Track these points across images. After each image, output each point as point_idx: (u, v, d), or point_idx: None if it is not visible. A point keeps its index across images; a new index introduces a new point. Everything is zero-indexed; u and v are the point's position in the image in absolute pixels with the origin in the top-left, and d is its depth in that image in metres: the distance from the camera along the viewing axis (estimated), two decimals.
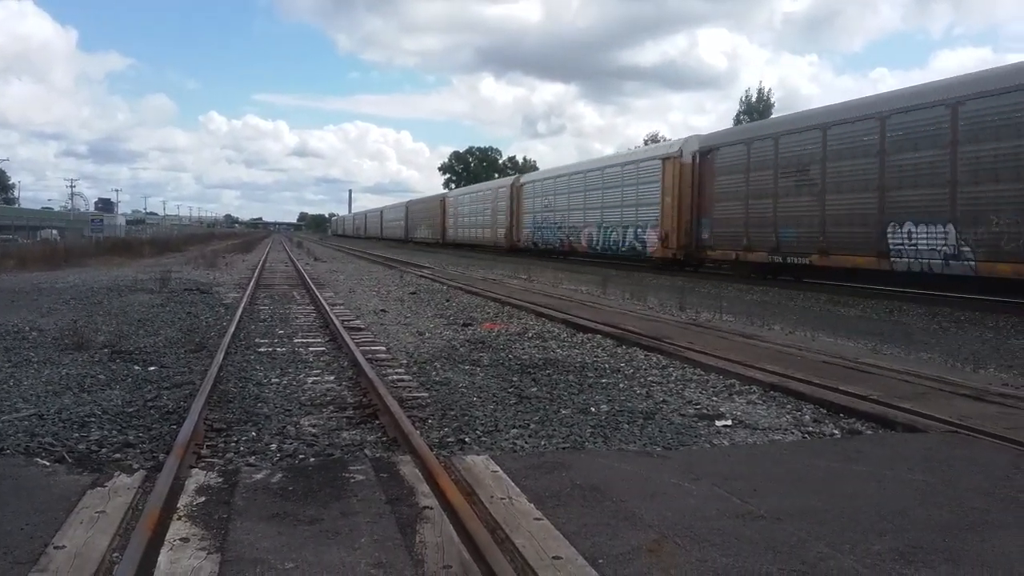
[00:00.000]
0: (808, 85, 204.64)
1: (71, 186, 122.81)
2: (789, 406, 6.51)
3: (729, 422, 5.99)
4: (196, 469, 4.58)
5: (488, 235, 48.10)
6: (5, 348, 8.95)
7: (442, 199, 63.47)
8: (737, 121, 61.11)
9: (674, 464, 4.72)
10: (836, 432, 5.78)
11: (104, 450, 5.08)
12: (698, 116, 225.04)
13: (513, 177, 51.95)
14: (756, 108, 63.50)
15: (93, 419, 5.79)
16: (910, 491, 4.21)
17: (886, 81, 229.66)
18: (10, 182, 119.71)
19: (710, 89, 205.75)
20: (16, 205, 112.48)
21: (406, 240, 73.63)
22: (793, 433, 5.74)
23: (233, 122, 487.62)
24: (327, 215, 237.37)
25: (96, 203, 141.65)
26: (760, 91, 66.11)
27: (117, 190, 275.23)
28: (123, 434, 5.45)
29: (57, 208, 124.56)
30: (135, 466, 4.68)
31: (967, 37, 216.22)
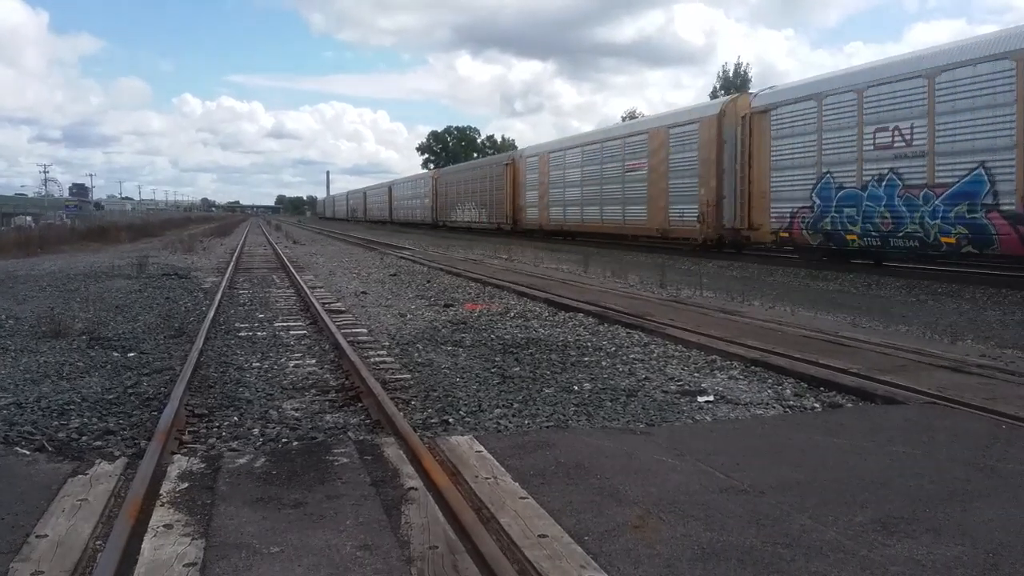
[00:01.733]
0: (785, 60, 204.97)
1: (44, 172, 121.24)
2: (770, 381, 6.55)
3: (711, 398, 6.03)
4: (178, 455, 4.55)
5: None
6: None
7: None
8: (713, 96, 61.13)
9: (657, 440, 4.74)
10: (817, 406, 5.82)
11: (84, 438, 5.03)
12: (676, 92, 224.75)
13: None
14: (733, 83, 63.50)
15: (73, 407, 5.74)
16: (891, 462, 4.25)
17: (861, 54, 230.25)
18: None
19: (687, 65, 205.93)
20: None
21: (437, 224, 54.36)
22: (775, 407, 5.78)
23: (208, 104, 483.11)
24: (304, 197, 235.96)
25: (70, 188, 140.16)
26: (737, 66, 66.12)
27: (91, 175, 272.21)
28: (103, 421, 5.41)
29: (31, 195, 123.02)
30: (116, 453, 4.64)
31: (940, 10, 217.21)
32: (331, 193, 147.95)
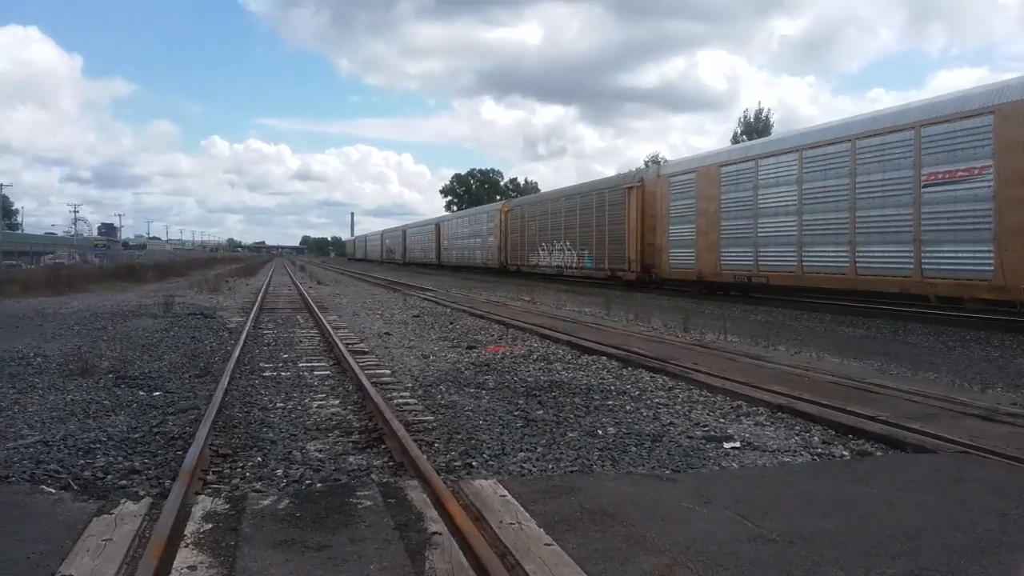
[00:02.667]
0: (807, 105, 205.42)
1: (74, 211, 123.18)
2: (798, 427, 6.47)
3: (737, 444, 5.96)
4: (202, 495, 4.55)
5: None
6: (10, 374, 8.94)
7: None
8: (735, 141, 61.30)
9: (683, 487, 4.69)
10: (846, 453, 5.74)
11: (110, 477, 5.05)
12: (698, 137, 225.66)
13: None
14: (755, 128, 63.75)
15: (98, 445, 5.77)
16: (922, 513, 4.17)
17: (882, 100, 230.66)
18: (13, 208, 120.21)
19: (710, 110, 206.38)
20: (20, 231, 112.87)
21: (506, 269, 44.35)
22: (802, 455, 5.70)
23: (236, 146, 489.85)
24: (329, 238, 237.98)
25: (99, 228, 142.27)
26: (759, 111, 66.41)
27: (120, 215, 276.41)
28: (129, 460, 5.43)
29: (60, 234, 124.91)
30: (141, 493, 4.65)
31: (963, 57, 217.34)
32: (358, 233, 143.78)
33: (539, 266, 37.75)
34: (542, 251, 37.66)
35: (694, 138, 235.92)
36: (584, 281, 33.75)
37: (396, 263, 79.33)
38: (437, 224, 64.00)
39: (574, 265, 33.79)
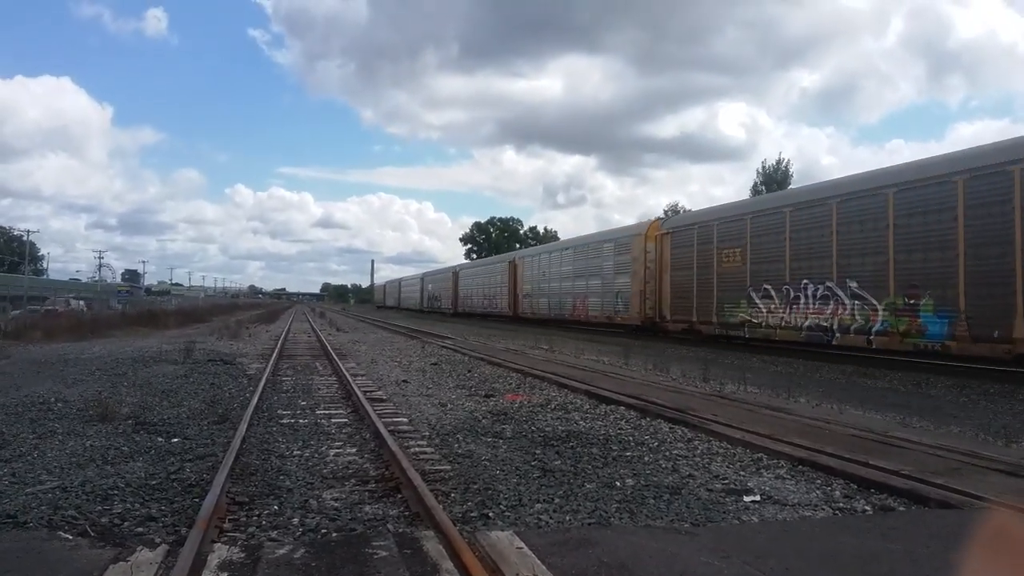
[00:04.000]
0: (826, 156, 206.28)
1: (99, 258, 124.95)
2: (819, 481, 6.38)
3: (758, 497, 5.88)
4: (218, 543, 4.54)
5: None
6: (31, 419, 9.01)
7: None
8: (755, 192, 61.44)
9: (703, 541, 4.63)
10: (868, 508, 5.65)
11: (127, 523, 5.05)
12: (717, 187, 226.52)
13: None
14: (774, 178, 63.90)
15: (116, 492, 5.78)
16: (947, 570, 4.09)
17: (902, 152, 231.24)
18: (39, 253, 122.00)
19: (729, 160, 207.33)
20: (45, 276, 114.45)
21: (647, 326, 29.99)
22: (824, 509, 5.62)
23: (259, 194, 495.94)
24: (349, 285, 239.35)
25: (123, 274, 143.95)
26: (779, 161, 66.59)
27: (144, 261, 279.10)
28: (146, 507, 5.43)
29: (84, 279, 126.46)
30: (157, 540, 4.65)
31: (983, 109, 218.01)
32: (380, 279, 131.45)
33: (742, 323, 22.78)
34: (751, 299, 22.66)
35: (713, 188, 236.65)
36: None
37: (444, 312, 65.44)
38: (511, 262, 47.43)
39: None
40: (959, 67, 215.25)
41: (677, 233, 26.37)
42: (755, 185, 65.32)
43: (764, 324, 21.02)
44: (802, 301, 19.55)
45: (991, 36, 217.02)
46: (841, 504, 5.74)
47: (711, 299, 23.66)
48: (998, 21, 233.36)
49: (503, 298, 48.45)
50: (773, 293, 20.72)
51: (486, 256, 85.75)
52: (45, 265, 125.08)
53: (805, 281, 19.48)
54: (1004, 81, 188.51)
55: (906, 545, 4.53)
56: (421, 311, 76.92)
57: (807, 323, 19.32)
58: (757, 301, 21.37)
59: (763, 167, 67.16)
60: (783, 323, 20.23)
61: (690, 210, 53.21)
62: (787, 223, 20.26)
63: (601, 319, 32.34)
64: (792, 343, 20.54)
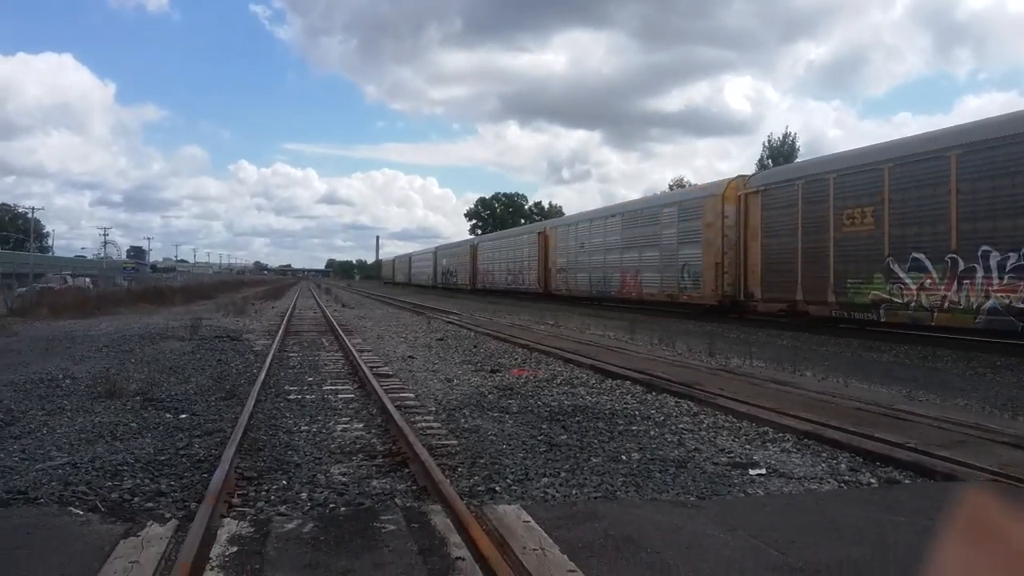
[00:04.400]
0: (833, 129, 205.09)
1: (104, 234, 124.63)
2: (824, 454, 6.40)
3: (763, 471, 5.90)
4: (228, 518, 4.58)
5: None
6: (39, 396, 9.06)
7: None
8: (761, 166, 61.10)
9: (708, 514, 4.65)
10: (873, 481, 5.67)
11: (137, 499, 5.09)
12: (723, 161, 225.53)
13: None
14: (781, 152, 63.57)
15: (126, 468, 5.82)
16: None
17: (910, 126, 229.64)
18: (44, 231, 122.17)
19: (735, 134, 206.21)
20: (50, 253, 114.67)
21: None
22: (829, 482, 5.63)
23: (263, 170, 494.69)
24: (354, 261, 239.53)
25: (128, 251, 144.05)
26: (785, 135, 66.21)
27: (149, 238, 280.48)
28: (155, 483, 5.47)
29: (90, 256, 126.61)
30: (167, 515, 4.68)
31: (991, 82, 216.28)
32: (398, 252, 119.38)
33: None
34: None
35: (719, 162, 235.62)
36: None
37: (460, 289, 60.66)
38: (543, 232, 43.21)
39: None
40: (967, 39, 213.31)
41: (771, 191, 21.46)
42: (761, 159, 65.07)
43: (913, 305, 16.41)
44: (979, 275, 14.86)
45: (999, 6, 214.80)
46: (846, 477, 5.76)
47: (825, 273, 18.96)
48: None
49: (531, 272, 43.57)
50: (929, 264, 16.03)
51: (492, 231, 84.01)
52: (50, 242, 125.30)
53: (986, 248, 14.70)
54: (1012, 53, 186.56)
55: (910, 517, 4.55)
56: (434, 287, 72.33)
57: (989, 304, 14.71)
58: (901, 275, 16.67)
59: (769, 141, 66.83)
60: (946, 304, 15.59)
61: (695, 183, 51.61)
62: (953, 171, 15.35)
63: (660, 297, 27.65)
64: (961, 330, 15.97)
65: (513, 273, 47.97)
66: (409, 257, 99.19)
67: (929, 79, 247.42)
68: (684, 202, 26.98)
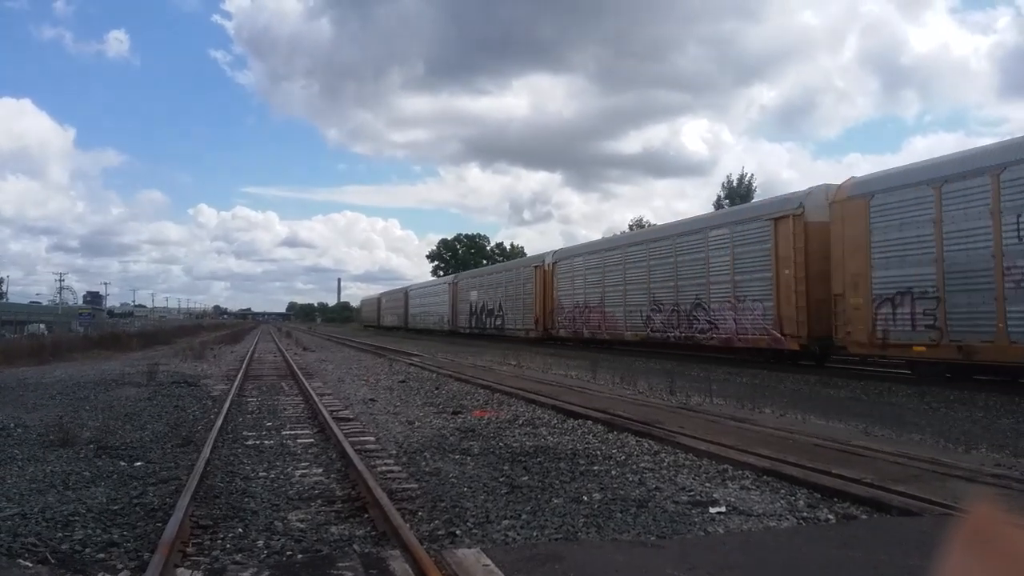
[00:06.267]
0: (787, 170, 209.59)
1: (60, 280, 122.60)
2: (783, 491, 6.45)
3: (723, 509, 5.93)
4: (181, 568, 4.49)
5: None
6: None
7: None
8: (718, 205, 62.00)
9: (669, 553, 4.66)
10: (831, 517, 5.72)
11: (88, 550, 4.97)
12: (681, 201, 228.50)
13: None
14: (738, 192, 64.61)
15: (77, 518, 5.69)
16: None
17: (860, 166, 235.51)
18: None
19: (692, 175, 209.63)
20: (4, 300, 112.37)
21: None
22: (788, 519, 5.68)
23: (223, 214, 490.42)
24: (315, 304, 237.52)
25: (84, 296, 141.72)
26: (742, 176, 67.35)
27: (106, 283, 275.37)
28: (107, 533, 5.35)
29: (45, 303, 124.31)
30: (119, 566, 4.58)
31: (937, 123, 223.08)
32: (392, 288, 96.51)
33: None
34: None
35: (677, 202, 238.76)
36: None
37: (490, 334, 43.10)
38: (539, 266, 36.45)
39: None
40: (913, 82, 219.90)
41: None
42: (719, 199, 65.98)
43: None
44: None
45: (943, 51, 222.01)
46: (805, 513, 5.81)
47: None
48: (950, 36, 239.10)
49: (523, 312, 36.71)
50: None
51: (453, 273, 79.29)
52: (4, 288, 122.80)
53: None
54: (957, 95, 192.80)
55: (867, 553, 4.60)
56: (454, 332, 50.91)
57: None
58: None
59: (728, 181, 67.89)
60: None
61: (654, 223, 47.64)
62: None
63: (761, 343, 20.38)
64: None
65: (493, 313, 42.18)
66: (404, 293, 75.63)
67: (878, 121, 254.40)
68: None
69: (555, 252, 36.19)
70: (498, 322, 41.96)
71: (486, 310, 44.56)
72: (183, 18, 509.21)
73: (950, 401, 12.92)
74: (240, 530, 5.45)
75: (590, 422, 10.36)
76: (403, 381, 17.61)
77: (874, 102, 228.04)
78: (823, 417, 10.90)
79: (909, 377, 16.16)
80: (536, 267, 36.85)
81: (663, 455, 8.09)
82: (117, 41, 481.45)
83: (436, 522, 5.60)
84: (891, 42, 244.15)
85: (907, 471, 6.79)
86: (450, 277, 57.45)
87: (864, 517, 5.70)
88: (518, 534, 5.30)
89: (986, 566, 0.73)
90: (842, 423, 10.33)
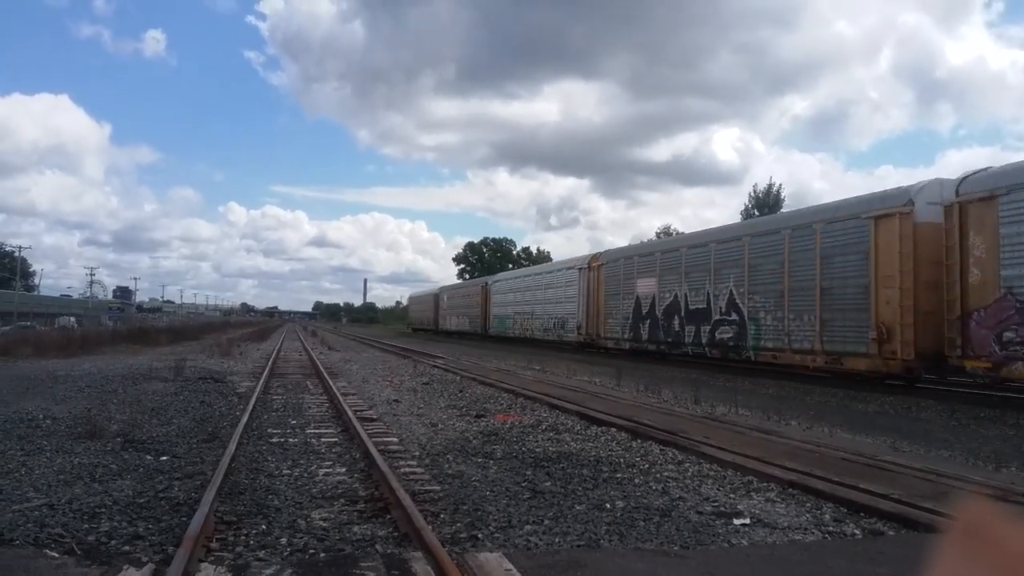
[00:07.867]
0: (818, 181, 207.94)
1: (91, 274, 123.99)
2: (809, 504, 6.38)
3: (748, 520, 5.88)
4: (205, 563, 4.52)
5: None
6: (19, 436, 8.95)
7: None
8: (746, 215, 61.60)
9: (692, 564, 4.62)
10: (857, 532, 5.65)
11: (113, 542, 5.02)
12: (709, 210, 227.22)
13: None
14: (766, 203, 64.14)
15: (103, 510, 5.75)
16: None
17: (891, 178, 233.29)
18: (31, 269, 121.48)
19: (721, 184, 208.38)
20: (36, 292, 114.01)
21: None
22: (813, 533, 5.61)
23: (252, 212, 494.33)
24: (341, 304, 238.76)
25: (114, 291, 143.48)
26: (770, 186, 66.85)
27: (136, 278, 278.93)
28: (133, 525, 5.40)
29: (76, 296, 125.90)
30: (144, 559, 4.62)
31: (972, 137, 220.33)
32: (445, 283, 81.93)
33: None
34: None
35: (705, 211, 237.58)
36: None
37: (550, 343, 37.53)
38: (584, 268, 32.82)
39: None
40: (948, 95, 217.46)
41: None
42: (746, 209, 65.57)
43: None
44: None
45: (979, 64, 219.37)
46: (831, 528, 5.74)
47: None
48: (987, 50, 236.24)
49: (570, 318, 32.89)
50: None
51: (478, 277, 75.41)
52: (37, 281, 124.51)
53: None
54: (993, 108, 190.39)
55: (894, 569, 4.53)
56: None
57: None
58: None
59: (755, 191, 67.42)
60: None
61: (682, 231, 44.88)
62: None
63: None
64: None
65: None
66: (487, 285, 53.77)
67: (912, 134, 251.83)
68: None
69: (602, 254, 32.15)
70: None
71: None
72: (218, 19, 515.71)
73: (980, 418, 12.73)
74: (264, 527, 5.48)
75: (614, 429, 10.31)
76: (427, 383, 17.64)
77: (908, 114, 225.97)
78: (850, 431, 10.77)
79: (937, 393, 15.92)
80: (580, 269, 33.02)
81: (687, 464, 8.03)
82: (154, 40, 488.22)
83: (458, 525, 5.59)
84: (927, 54, 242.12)
85: (936, 488, 6.68)
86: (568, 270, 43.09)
87: (891, 533, 5.62)
88: (540, 540, 5.28)
89: (979, 564, 0.71)
90: (869, 437, 10.20)
